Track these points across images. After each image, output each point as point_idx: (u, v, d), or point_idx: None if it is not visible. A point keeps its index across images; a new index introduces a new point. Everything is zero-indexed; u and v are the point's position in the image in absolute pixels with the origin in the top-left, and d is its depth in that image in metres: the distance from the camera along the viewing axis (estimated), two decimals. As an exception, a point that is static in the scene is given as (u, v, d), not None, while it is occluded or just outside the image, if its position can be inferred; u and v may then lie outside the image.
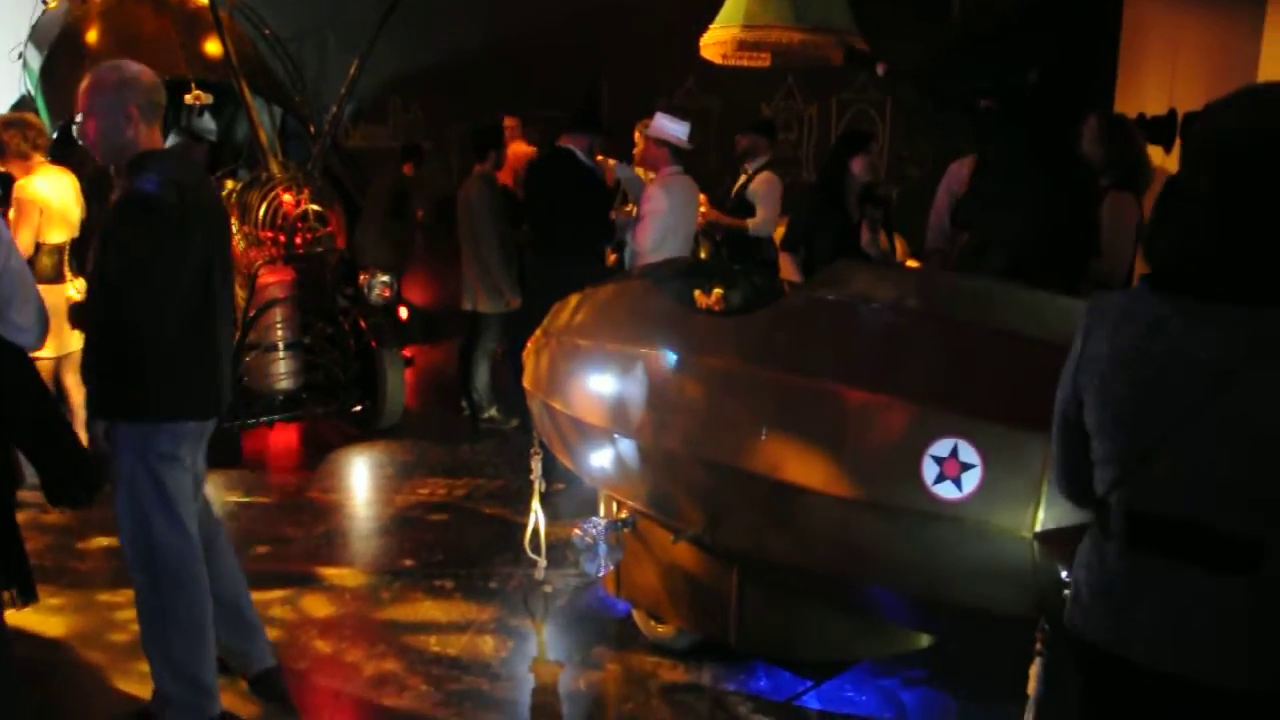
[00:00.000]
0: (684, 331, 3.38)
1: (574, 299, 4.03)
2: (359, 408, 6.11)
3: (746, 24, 6.90)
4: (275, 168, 5.29)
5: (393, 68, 8.70)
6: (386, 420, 6.21)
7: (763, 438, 2.96)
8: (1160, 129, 6.36)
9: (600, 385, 3.55)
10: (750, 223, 6.23)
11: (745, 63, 7.56)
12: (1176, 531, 1.63)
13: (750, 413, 3.04)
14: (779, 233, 6.33)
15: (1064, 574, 2.34)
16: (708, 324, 3.43)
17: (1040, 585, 2.49)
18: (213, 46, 6.28)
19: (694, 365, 3.25)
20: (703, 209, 5.99)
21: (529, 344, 4.15)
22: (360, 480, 5.74)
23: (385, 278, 6.12)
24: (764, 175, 6.39)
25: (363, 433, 6.23)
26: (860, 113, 9.05)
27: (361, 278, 6.08)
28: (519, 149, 7.02)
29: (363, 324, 6.06)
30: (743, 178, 6.51)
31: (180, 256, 2.91)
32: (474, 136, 6.51)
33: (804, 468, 2.85)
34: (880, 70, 5.64)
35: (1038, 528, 2.47)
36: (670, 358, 3.30)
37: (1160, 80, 7.28)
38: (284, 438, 6.33)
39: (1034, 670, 2.57)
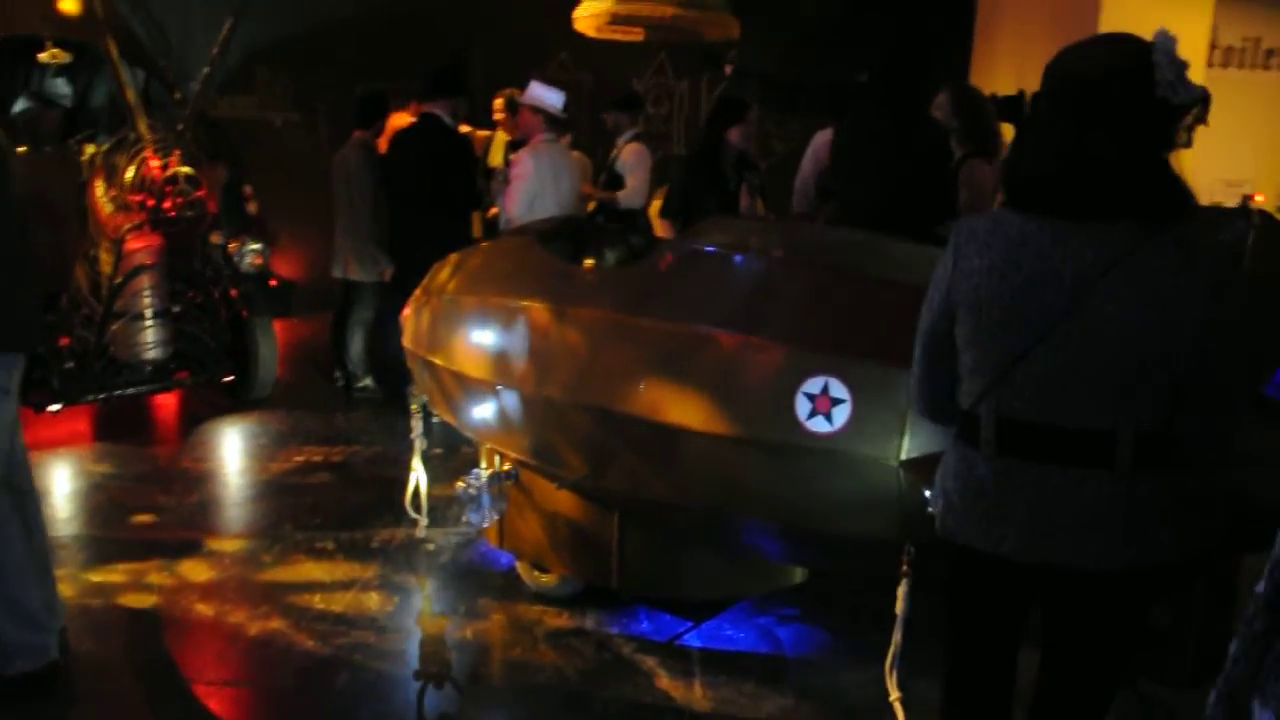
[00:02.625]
0: (564, 284, 3.46)
1: (454, 258, 4.07)
2: (230, 378, 5.99)
3: (621, -3, 7.00)
4: (144, 128, 5.12)
5: (260, 37, 8.47)
6: (258, 390, 6.10)
7: (643, 383, 3.06)
8: (1010, 108, 6.68)
9: (482, 339, 3.61)
10: (620, 195, 6.33)
11: (618, 37, 7.66)
12: (1040, 434, 1.81)
13: (631, 359, 3.13)
14: (655, 205, 6.46)
15: (928, 495, 2.52)
16: (588, 276, 3.52)
17: (905, 510, 2.67)
18: (69, 3, 6.04)
19: (575, 316, 3.33)
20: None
21: (409, 304, 4.17)
22: (234, 449, 5.64)
23: (256, 245, 6.02)
24: (631, 146, 6.48)
25: (234, 403, 6.12)
26: (729, 88, 9.23)
27: (231, 245, 5.96)
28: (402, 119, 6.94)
29: (233, 293, 5.93)
30: (615, 152, 6.61)
31: (10, 195, 3.05)
32: (361, 103, 6.44)
33: (683, 409, 2.96)
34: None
35: (902, 455, 2.64)
36: (551, 310, 3.37)
37: (1011, 62, 7.68)
38: (152, 409, 6.17)
39: (901, 590, 2.74)
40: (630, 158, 6.43)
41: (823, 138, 5.55)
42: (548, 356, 3.36)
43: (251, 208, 8.02)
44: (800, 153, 6.09)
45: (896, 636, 2.76)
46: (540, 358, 3.38)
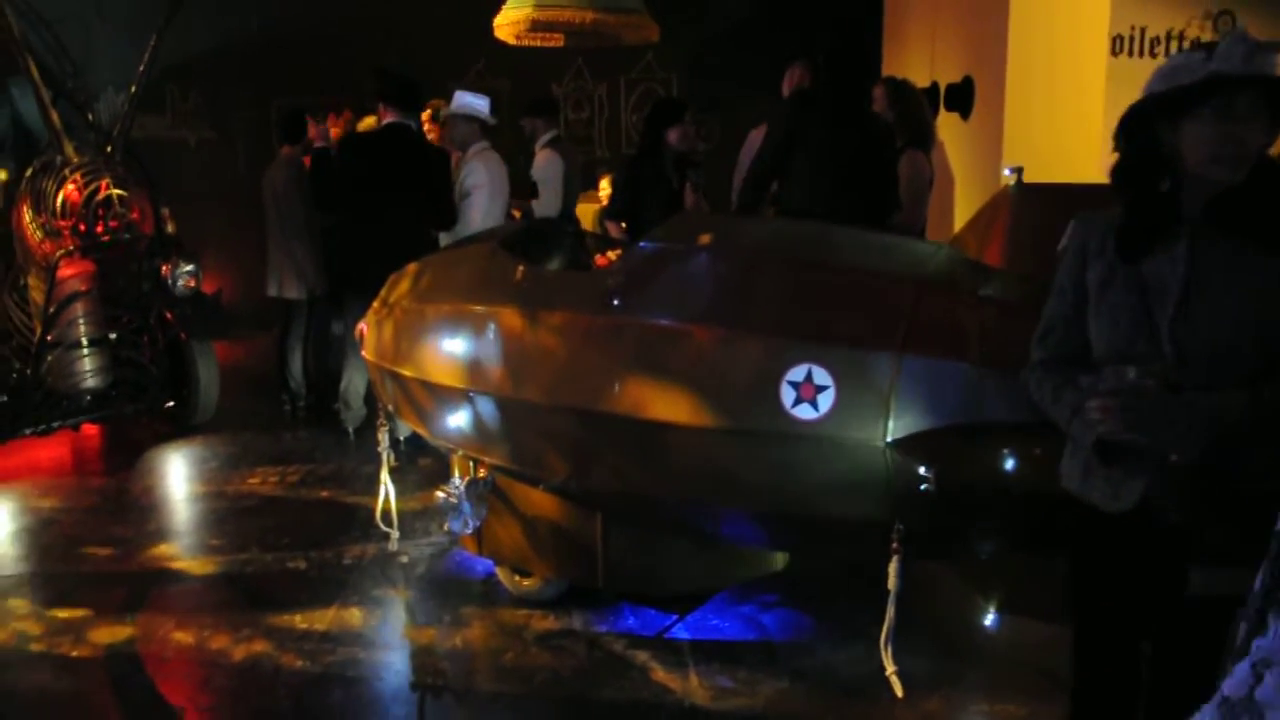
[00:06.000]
0: (537, 288, 3.48)
1: (412, 268, 4.06)
2: (171, 404, 5.86)
3: (540, 3, 7.02)
4: (70, 151, 4.97)
5: (168, 54, 8.28)
6: (201, 415, 5.98)
7: (627, 382, 3.11)
8: (960, 97, 6.85)
9: (453, 347, 3.61)
10: (534, 204, 6.35)
11: (538, 43, 7.68)
12: None
13: (613, 359, 3.18)
14: (581, 208, 6.51)
15: (922, 471, 2.62)
16: (563, 278, 3.55)
17: (896, 489, 2.76)
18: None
19: (551, 319, 3.36)
20: None
21: (366, 317, 4.15)
22: (184, 475, 5.50)
23: (189, 267, 5.87)
24: (543, 154, 6.49)
25: (177, 429, 5.98)
26: (648, 91, 9.33)
27: (164, 268, 5.81)
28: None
29: (169, 316, 5.80)
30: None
31: None
32: (285, 119, 6.33)
33: (670, 405, 3.01)
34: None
35: (889, 437, 2.74)
36: (524, 314, 3.39)
37: (922, 54, 7.91)
38: (93, 439, 6.00)
39: (892, 568, 2.83)
40: (541, 167, 6.43)
41: (757, 135, 5.66)
42: (524, 360, 3.38)
43: (170, 229, 7.84)
44: (722, 151, 6.20)
45: (890, 612, 2.85)
46: (516, 362, 3.40)
